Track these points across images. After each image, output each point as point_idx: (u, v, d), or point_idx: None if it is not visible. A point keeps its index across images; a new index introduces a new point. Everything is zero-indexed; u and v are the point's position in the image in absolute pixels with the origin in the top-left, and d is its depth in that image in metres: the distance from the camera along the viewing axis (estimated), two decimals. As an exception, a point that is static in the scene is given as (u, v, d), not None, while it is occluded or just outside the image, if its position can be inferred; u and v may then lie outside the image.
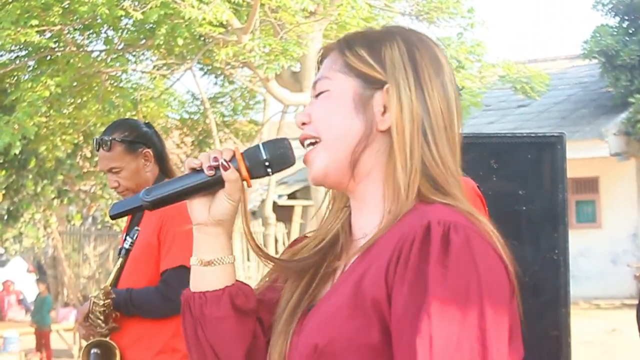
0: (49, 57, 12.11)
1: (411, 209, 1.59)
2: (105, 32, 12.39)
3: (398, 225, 1.58)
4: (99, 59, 12.62)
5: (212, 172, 1.69)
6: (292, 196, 20.68)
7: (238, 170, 1.70)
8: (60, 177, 16.63)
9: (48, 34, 11.28)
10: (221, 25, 10.78)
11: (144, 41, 12.35)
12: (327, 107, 1.67)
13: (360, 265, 1.59)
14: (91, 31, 12.23)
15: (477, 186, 4.06)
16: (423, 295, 1.47)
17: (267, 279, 1.84)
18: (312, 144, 1.68)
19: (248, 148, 1.74)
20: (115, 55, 12.58)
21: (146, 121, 4.49)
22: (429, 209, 1.57)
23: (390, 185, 1.62)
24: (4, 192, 15.45)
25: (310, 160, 1.68)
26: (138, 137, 4.16)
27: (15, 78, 12.90)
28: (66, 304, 19.72)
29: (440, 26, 13.07)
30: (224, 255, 1.76)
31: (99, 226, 22.64)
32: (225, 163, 1.68)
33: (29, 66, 12.64)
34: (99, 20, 11.38)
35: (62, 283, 21.88)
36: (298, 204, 20.62)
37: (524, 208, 4.73)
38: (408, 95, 1.62)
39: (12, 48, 11.76)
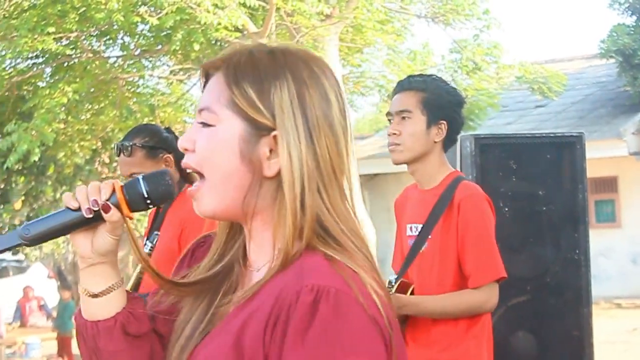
0: (66, 64, 12.15)
1: (297, 258, 1.57)
2: (121, 38, 12.44)
3: (281, 276, 1.56)
4: (115, 65, 12.66)
5: (90, 215, 1.65)
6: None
7: (118, 206, 1.66)
8: (79, 183, 16.67)
9: (65, 41, 11.32)
10: (237, 29, 10.80)
11: (160, 47, 12.38)
12: (212, 146, 1.61)
13: (243, 312, 1.58)
14: (107, 37, 12.26)
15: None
16: None
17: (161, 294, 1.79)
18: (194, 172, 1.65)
19: (127, 181, 1.70)
20: (132, 61, 12.63)
21: (166, 126, 4.50)
22: (307, 266, 1.54)
23: (281, 229, 1.58)
24: (23, 198, 15.50)
25: (197, 198, 1.64)
26: (159, 143, 4.16)
27: (33, 85, 12.95)
28: (86, 310, 19.76)
29: (456, 28, 13.06)
30: (111, 283, 1.73)
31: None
32: (106, 204, 1.64)
33: (47, 73, 12.69)
34: (115, 27, 11.41)
35: (82, 289, 21.95)
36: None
37: (544, 208, 4.72)
38: (297, 144, 1.57)
39: (30, 55, 11.80)
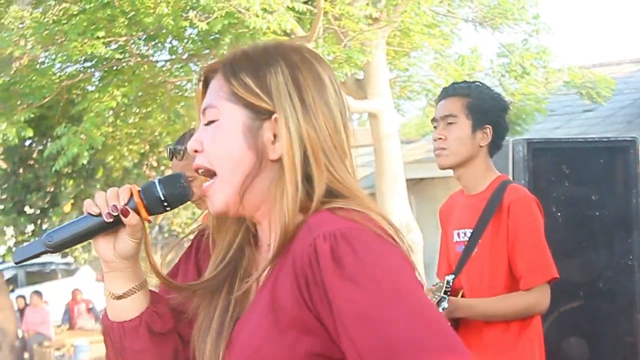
0: (115, 68, 12.24)
1: (302, 222, 1.62)
2: (170, 42, 12.49)
3: (292, 242, 1.61)
4: (164, 69, 12.72)
5: (110, 220, 1.69)
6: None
7: (137, 210, 1.70)
8: (127, 187, 16.78)
9: (114, 45, 11.39)
10: (285, 34, 10.81)
11: (208, 51, 12.42)
12: (218, 139, 1.67)
13: (268, 286, 1.62)
14: (156, 41, 12.33)
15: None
16: (342, 313, 1.52)
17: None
18: (206, 174, 1.69)
19: (145, 185, 1.73)
20: (179, 65, 12.67)
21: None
22: (313, 222, 1.60)
23: (283, 204, 1.63)
24: (72, 201, 15.62)
25: (209, 195, 1.68)
26: None
27: (82, 89, 13.05)
28: (133, 313, 19.90)
29: (504, 32, 12.98)
30: (134, 285, 1.78)
31: (166, 235, 22.82)
32: (125, 209, 1.69)
33: (96, 77, 12.78)
34: (164, 31, 11.47)
35: (130, 291, 22.10)
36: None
37: (597, 213, 4.68)
38: (296, 123, 1.63)
39: (79, 59, 11.90)
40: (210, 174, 1.68)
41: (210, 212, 1.72)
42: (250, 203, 1.68)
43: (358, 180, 1.72)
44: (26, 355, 17.02)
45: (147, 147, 16.34)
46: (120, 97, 11.46)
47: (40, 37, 10.68)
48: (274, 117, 1.65)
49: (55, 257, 22.27)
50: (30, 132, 11.41)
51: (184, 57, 12.60)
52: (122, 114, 13.05)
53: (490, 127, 3.74)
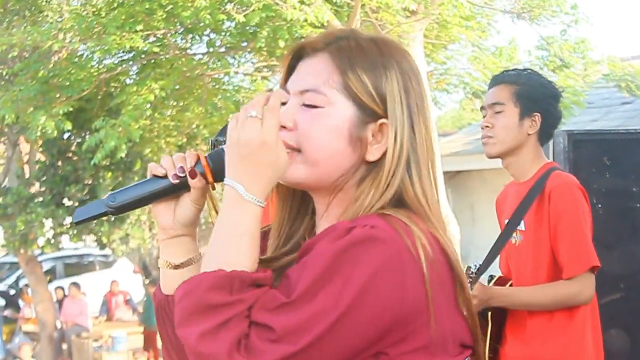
0: (153, 61, 12.29)
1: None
2: (207, 35, 12.52)
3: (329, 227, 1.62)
4: (201, 62, 12.75)
5: (177, 181, 1.69)
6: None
7: (203, 175, 1.70)
8: (165, 180, 16.86)
9: (152, 39, 11.44)
10: (322, 26, 10.81)
11: (245, 44, 12.44)
12: (320, 128, 1.66)
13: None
14: (194, 35, 12.36)
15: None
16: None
17: None
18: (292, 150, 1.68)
19: (211, 152, 1.72)
20: (217, 58, 12.69)
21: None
22: (357, 219, 1.60)
23: (354, 206, 1.64)
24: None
25: (293, 165, 1.67)
26: None
27: (120, 82, 13.12)
28: (171, 304, 19.99)
29: (541, 24, 12.89)
30: (192, 255, 1.78)
31: (203, 227, 22.92)
32: (192, 170, 1.69)
33: (133, 70, 12.84)
34: (201, 24, 11.50)
35: (167, 284, 22.21)
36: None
37: (638, 205, 4.64)
38: (402, 132, 1.65)
39: (117, 53, 11.95)
40: (293, 150, 1.67)
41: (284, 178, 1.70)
42: (330, 190, 1.69)
43: (438, 188, 1.73)
44: (64, 346, 17.17)
45: (185, 139, 16.38)
46: (158, 90, 11.49)
47: (80, 30, 10.74)
48: (380, 121, 1.66)
49: (93, 249, 22.43)
50: (68, 125, 11.47)
51: (221, 50, 12.63)
52: (159, 107, 13.09)
53: (539, 114, 3.69)
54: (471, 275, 3.69)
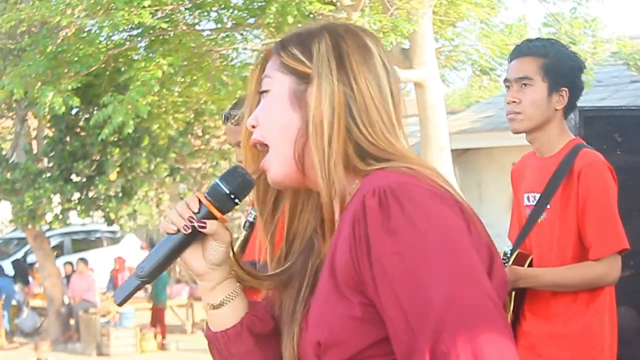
0: (161, 37, 12.26)
1: (358, 186, 1.67)
2: (215, 11, 12.49)
3: (350, 204, 1.64)
4: (209, 38, 12.73)
5: (189, 231, 1.71)
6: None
7: (211, 215, 1.73)
8: (173, 155, 16.87)
9: (160, 14, 11.41)
10: (331, 2, 10.77)
11: (253, 20, 12.41)
12: (268, 109, 1.74)
13: (330, 250, 1.65)
14: (202, 10, 12.33)
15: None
16: (385, 268, 1.52)
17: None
18: (263, 149, 1.75)
19: (209, 189, 1.76)
20: (225, 34, 12.67)
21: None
22: (366, 180, 1.64)
23: (322, 172, 1.67)
24: (118, 169, 15.72)
25: (266, 168, 1.75)
26: None
27: (129, 58, 13.10)
28: (178, 281, 20.06)
29: (551, 2, 12.83)
30: (230, 292, 1.81)
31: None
32: (201, 224, 1.71)
33: (142, 46, 12.82)
34: (209, 0, 11.47)
35: (174, 260, 22.25)
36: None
37: (649, 182, 4.62)
38: (329, 83, 1.68)
39: (125, 28, 11.93)
40: (265, 148, 1.74)
41: (270, 183, 1.77)
42: (306, 168, 1.72)
43: (409, 147, 1.73)
44: (72, 321, 17.23)
45: (192, 115, 16.40)
46: (166, 66, 11.47)
47: (88, 5, 10.72)
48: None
49: (101, 225, 22.47)
50: (77, 101, 11.48)
51: (229, 26, 12.60)
52: (167, 82, 13.09)
53: (567, 89, 3.60)
54: (505, 260, 3.65)
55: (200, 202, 1.73)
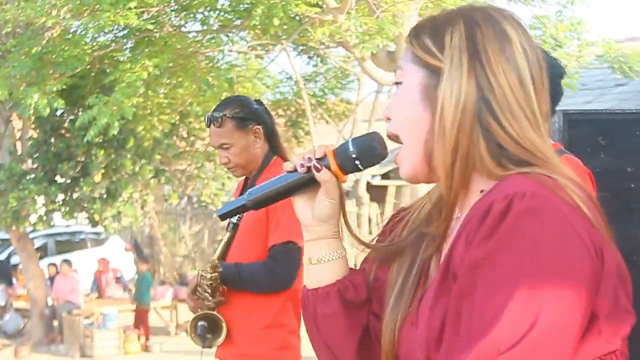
0: (146, 38, 12.24)
1: (491, 188, 1.57)
2: (201, 13, 12.47)
3: (479, 205, 1.56)
4: (195, 39, 12.72)
5: (304, 170, 1.72)
6: (385, 176, 20.61)
7: (329, 167, 1.74)
8: (158, 157, 16.84)
9: (146, 16, 11.39)
10: (317, 5, 10.78)
11: (239, 22, 12.40)
12: (400, 102, 1.68)
13: (447, 255, 1.60)
14: (188, 12, 12.32)
15: (583, 163, 3.99)
16: (480, 274, 1.45)
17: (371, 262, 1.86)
18: (397, 141, 1.70)
19: (339, 145, 1.76)
20: (211, 36, 12.66)
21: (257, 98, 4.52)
22: (502, 184, 1.54)
23: (444, 173, 1.61)
24: (103, 171, 15.68)
25: (398, 162, 1.70)
26: (249, 114, 4.20)
27: (114, 59, 13.08)
28: (162, 283, 20.04)
29: (536, 5, 12.86)
30: (332, 251, 1.81)
31: (195, 206, 22.91)
32: (317, 165, 1.72)
33: (127, 47, 12.80)
34: (195, 2, 11.46)
35: (159, 262, 22.23)
36: (391, 183, 20.61)
37: (632, 185, 4.64)
38: (459, 80, 1.59)
39: (111, 29, 11.90)
40: (399, 140, 1.69)
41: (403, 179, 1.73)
42: (433, 165, 1.65)
43: (550, 145, 1.64)
44: (55, 323, 17.17)
45: (178, 117, 16.37)
46: (152, 68, 11.44)
47: (73, 6, 10.69)
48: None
49: (85, 227, 22.41)
50: (61, 103, 11.44)
51: (215, 27, 12.59)
52: (153, 84, 13.06)
53: None
54: None
55: (325, 154, 1.74)
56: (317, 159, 1.73)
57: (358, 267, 1.87)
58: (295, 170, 1.74)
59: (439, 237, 1.68)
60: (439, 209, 1.69)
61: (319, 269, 1.81)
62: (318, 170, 1.72)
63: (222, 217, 1.83)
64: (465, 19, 1.64)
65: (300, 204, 1.79)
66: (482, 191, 1.59)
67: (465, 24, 1.63)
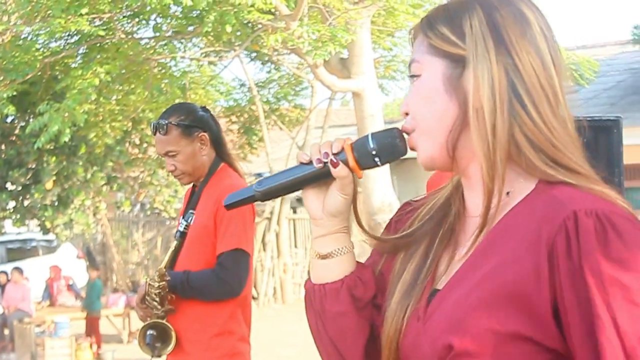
0: (98, 45, 12.18)
1: (534, 190, 1.56)
2: (154, 20, 12.43)
3: (525, 209, 1.55)
4: (147, 46, 12.67)
5: (320, 165, 1.68)
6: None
7: (346, 162, 1.69)
8: (110, 164, 16.76)
9: (98, 22, 11.32)
10: (269, 12, 10.77)
11: (192, 28, 12.37)
12: (420, 96, 1.63)
13: (490, 252, 1.56)
14: (140, 18, 12.27)
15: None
16: (607, 299, 1.43)
17: (379, 254, 1.83)
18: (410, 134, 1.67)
19: (358, 139, 1.72)
20: (163, 42, 12.62)
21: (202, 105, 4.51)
22: (557, 194, 1.52)
23: (487, 163, 1.57)
24: (54, 178, 15.58)
25: (413, 146, 1.67)
26: (194, 121, 4.18)
27: (65, 66, 12.99)
28: (115, 290, 19.92)
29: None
30: (341, 246, 1.76)
31: (148, 213, 22.80)
32: (334, 159, 1.67)
33: (79, 54, 12.72)
34: (148, 8, 11.41)
35: (111, 269, 22.10)
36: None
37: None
38: (487, 65, 1.56)
39: (62, 36, 11.83)
40: (411, 131, 1.66)
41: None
42: (458, 156, 1.63)
43: (574, 131, 1.61)
44: (6, 331, 17.00)
45: (130, 124, 16.30)
46: (103, 75, 11.37)
47: (24, 12, 10.61)
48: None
49: (37, 234, 22.22)
50: (12, 109, 11.36)
51: (168, 34, 12.55)
52: (104, 91, 12.99)
53: None
54: None
55: (343, 148, 1.69)
56: (334, 153, 1.68)
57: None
58: (310, 163, 1.69)
59: (455, 232, 1.68)
60: (460, 196, 1.70)
61: (327, 264, 1.76)
62: (335, 166, 1.67)
63: (229, 207, 1.76)
64: (481, 4, 1.61)
65: (311, 197, 1.74)
66: (508, 193, 1.58)
67: (483, 8, 1.60)
